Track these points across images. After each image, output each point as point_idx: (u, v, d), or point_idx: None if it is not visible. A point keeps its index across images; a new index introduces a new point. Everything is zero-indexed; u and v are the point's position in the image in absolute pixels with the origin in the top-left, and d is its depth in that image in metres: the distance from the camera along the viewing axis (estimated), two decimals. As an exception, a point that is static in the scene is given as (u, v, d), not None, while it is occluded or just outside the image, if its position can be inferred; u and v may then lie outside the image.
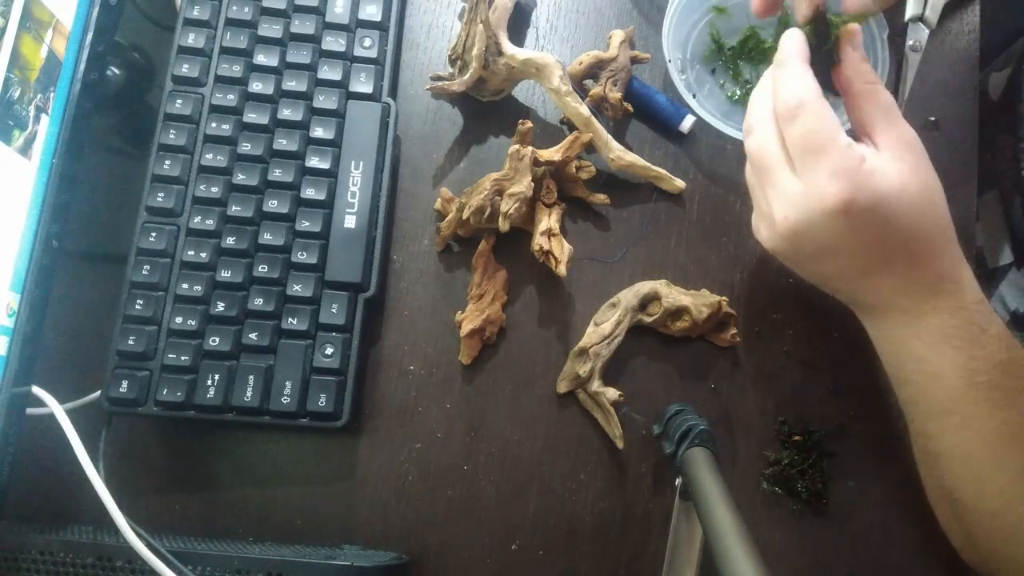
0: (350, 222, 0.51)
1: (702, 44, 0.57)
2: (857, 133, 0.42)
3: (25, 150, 0.43)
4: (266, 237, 0.50)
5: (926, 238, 0.41)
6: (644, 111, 0.56)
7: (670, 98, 0.55)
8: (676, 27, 0.54)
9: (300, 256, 0.50)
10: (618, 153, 0.53)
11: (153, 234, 0.50)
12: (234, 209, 0.50)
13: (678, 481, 0.43)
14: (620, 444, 0.49)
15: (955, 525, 0.46)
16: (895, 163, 0.40)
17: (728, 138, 0.53)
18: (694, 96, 0.53)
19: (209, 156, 0.51)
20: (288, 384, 0.48)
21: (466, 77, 0.52)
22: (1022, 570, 0.42)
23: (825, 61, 0.43)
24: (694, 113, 0.53)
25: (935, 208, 0.41)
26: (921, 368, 0.42)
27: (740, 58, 0.56)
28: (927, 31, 0.55)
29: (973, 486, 0.43)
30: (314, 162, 0.51)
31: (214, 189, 0.50)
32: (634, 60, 0.55)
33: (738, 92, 0.56)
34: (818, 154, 0.39)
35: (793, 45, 0.43)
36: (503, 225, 0.49)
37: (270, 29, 0.53)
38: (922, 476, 0.47)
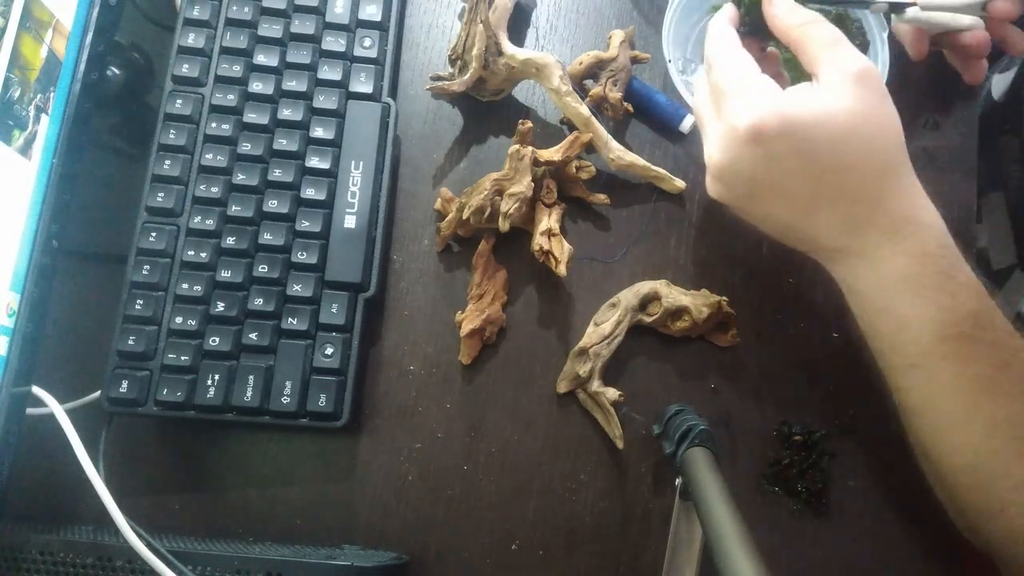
0: (350, 222, 0.51)
1: (702, 44, 0.56)
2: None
3: (25, 150, 0.43)
4: (266, 237, 0.50)
5: (872, 173, 0.39)
6: (644, 111, 0.56)
7: (670, 98, 0.55)
8: (676, 27, 0.54)
9: (300, 256, 0.50)
10: (618, 153, 0.53)
11: (153, 234, 0.50)
12: (234, 209, 0.50)
13: (678, 481, 0.43)
14: (620, 444, 0.49)
15: (935, 479, 0.45)
16: (829, 93, 0.39)
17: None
18: (694, 96, 0.53)
19: (209, 156, 0.51)
20: (288, 384, 0.48)
21: (466, 77, 0.52)
22: (994, 523, 0.41)
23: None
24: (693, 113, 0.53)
25: (882, 142, 0.39)
26: (889, 320, 0.41)
27: None
28: None
29: (944, 442, 0.42)
30: (314, 162, 0.51)
31: (214, 189, 0.50)
32: (634, 60, 0.55)
33: None
34: (730, 93, 0.41)
35: (722, 13, 0.45)
36: (503, 225, 0.49)
37: (270, 29, 0.53)
38: (905, 429, 0.46)
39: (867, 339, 0.44)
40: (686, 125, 0.55)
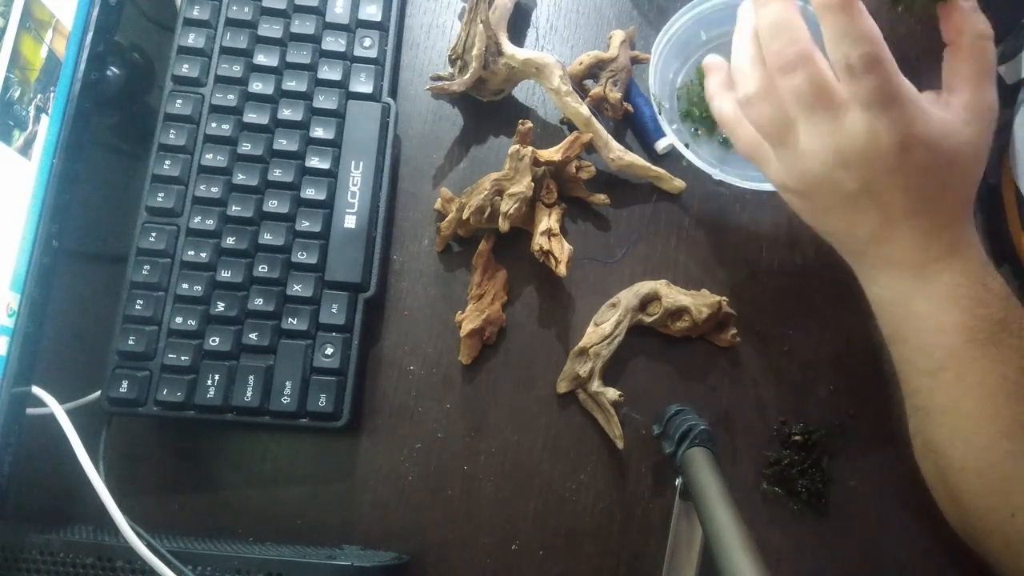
0: (350, 222, 0.51)
1: (688, 90, 0.56)
2: (944, 83, 0.41)
3: (25, 150, 0.43)
4: (266, 237, 0.50)
5: (957, 198, 0.41)
6: (632, 121, 0.55)
7: (653, 115, 0.55)
8: (662, 71, 0.54)
9: (300, 256, 0.50)
10: (618, 153, 0.53)
11: (153, 234, 0.50)
12: (234, 209, 0.50)
13: (678, 481, 0.43)
14: (620, 444, 0.49)
15: (940, 484, 0.46)
16: (964, 120, 0.39)
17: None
18: (687, 146, 0.52)
19: (209, 156, 0.51)
20: (288, 384, 0.48)
21: (466, 77, 0.52)
22: (1002, 530, 0.42)
23: None
24: (684, 154, 0.52)
25: (975, 173, 0.41)
26: (920, 326, 0.42)
27: None
28: None
29: (962, 442, 0.43)
30: (314, 162, 0.51)
31: (214, 189, 0.50)
32: (634, 60, 0.55)
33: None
34: (890, 94, 0.37)
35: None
36: (503, 225, 0.49)
37: (270, 29, 0.53)
38: (911, 435, 0.47)
39: (889, 343, 0.45)
40: (661, 145, 0.54)
